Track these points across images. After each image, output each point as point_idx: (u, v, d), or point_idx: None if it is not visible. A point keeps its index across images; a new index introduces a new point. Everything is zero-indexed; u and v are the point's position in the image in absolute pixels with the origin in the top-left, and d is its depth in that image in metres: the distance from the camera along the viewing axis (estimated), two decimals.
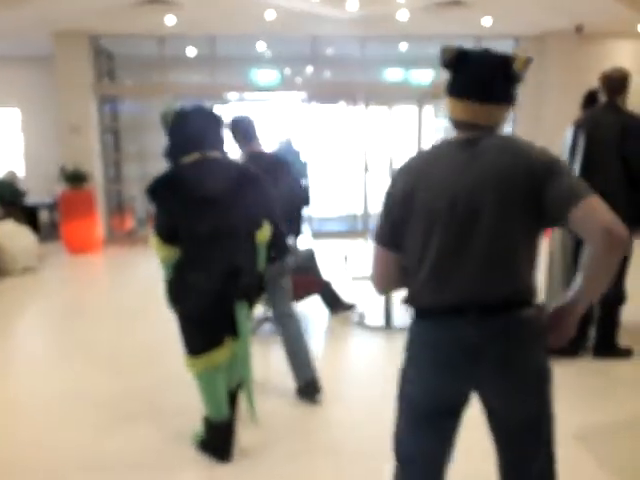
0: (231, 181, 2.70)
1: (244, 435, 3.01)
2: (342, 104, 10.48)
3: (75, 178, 8.43)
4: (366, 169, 9.82)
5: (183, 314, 2.74)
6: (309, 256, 5.02)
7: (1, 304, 6.04)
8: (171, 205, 2.63)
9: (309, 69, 9.96)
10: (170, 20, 7.78)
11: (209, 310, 2.66)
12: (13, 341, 4.99)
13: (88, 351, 4.47)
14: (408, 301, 1.70)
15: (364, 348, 4.59)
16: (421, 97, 9.71)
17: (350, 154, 10.17)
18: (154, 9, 7.32)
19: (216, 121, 2.83)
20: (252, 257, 2.77)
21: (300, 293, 4.74)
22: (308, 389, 3.43)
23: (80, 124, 8.92)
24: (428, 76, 9.50)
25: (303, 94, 9.61)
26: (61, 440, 3.12)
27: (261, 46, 9.62)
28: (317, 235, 9.45)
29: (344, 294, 5.25)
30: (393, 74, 9.58)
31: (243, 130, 3.62)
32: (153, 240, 2.67)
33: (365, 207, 9.83)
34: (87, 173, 8.58)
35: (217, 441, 2.83)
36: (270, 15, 7.45)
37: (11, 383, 3.99)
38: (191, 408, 3.18)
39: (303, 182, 9.79)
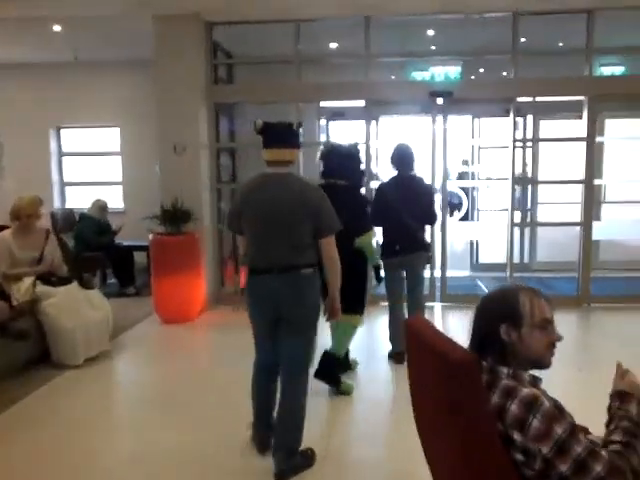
0: (341, 201, 3.53)
1: None
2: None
3: (174, 219, 6.03)
4: None
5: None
6: None
7: (49, 412, 3.80)
8: None
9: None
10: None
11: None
12: None
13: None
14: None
15: None
16: None
17: None
18: None
19: (349, 157, 4.25)
20: (351, 254, 3.91)
21: None
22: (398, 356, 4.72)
23: (186, 142, 6.52)
24: None
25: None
26: None
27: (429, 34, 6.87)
28: None
29: None
30: None
31: (395, 157, 4.82)
32: None
33: None
34: (191, 210, 6.17)
35: (339, 369, 4.34)
36: None
37: None
38: None
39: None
